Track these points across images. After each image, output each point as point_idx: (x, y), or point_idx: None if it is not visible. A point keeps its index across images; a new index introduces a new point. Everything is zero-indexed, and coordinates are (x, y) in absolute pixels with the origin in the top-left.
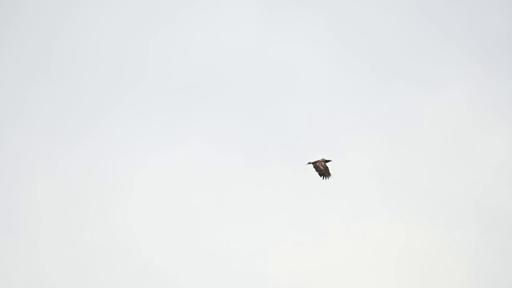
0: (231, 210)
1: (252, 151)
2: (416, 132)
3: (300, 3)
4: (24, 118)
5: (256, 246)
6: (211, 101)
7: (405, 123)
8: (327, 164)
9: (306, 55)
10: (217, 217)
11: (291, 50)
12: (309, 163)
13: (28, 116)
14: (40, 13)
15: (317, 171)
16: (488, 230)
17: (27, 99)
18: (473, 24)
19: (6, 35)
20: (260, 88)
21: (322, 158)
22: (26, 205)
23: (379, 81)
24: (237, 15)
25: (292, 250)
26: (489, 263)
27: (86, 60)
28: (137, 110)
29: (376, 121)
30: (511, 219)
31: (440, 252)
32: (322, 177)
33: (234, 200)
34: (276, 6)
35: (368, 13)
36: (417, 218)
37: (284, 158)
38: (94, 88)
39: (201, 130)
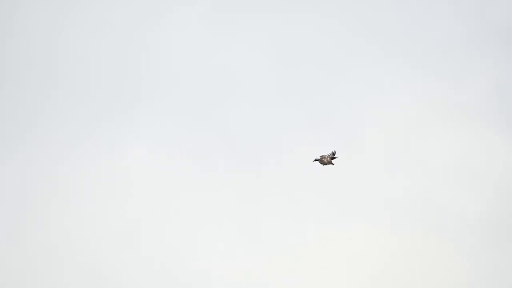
0: (177, 214)
1: (197, 155)
2: (361, 134)
3: (246, 7)
4: None
5: (199, 249)
6: (155, 106)
7: (349, 125)
8: (333, 160)
9: (250, 58)
10: (162, 221)
11: (235, 53)
12: (316, 160)
13: None
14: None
15: (321, 163)
16: (434, 229)
17: None
18: (416, 28)
19: None
20: (205, 92)
21: (328, 154)
22: None
23: (323, 82)
24: (181, 18)
25: (237, 253)
26: (434, 262)
27: (19, 65)
28: (79, 116)
29: (320, 123)
30: (456, 220)
31: (384, 252)
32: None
33: (179, 204)
34: (222, 9)
35: (311, 16)
36: (362, 219)
37: (229, 162)
38: (34, 92)
39: (145, 135)
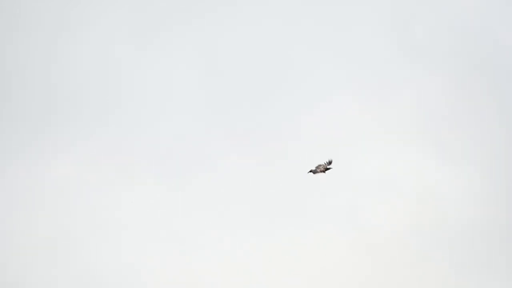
0: (105, 229)
1: (124, 169)
2: (295, 144)
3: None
4: None
5: (128, 264)
6: (77, 120)
7: (279, 136)
8: (327, 171)
9: (177, 72)
10: (90, 236)
11: (162, 67)
12: (310, 171)
13: None
14: None
15: (314, 173)
16: (363, 244)
17: None
18: (343, 39)
19: None
20: (138, 104)
21: (325, 163)
22: None
23: (258, 91)
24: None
25: (167, 266)
26: (354, 274)
27: None
28: (12, 129)
29: (250, 134)
30: (378, 234)
31: (310, 263)
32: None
33: (107, 219)
34: (146, 15)
35: (243, 28)
36: (290, 233)
37: (156, 175)
38: None
39: (70, 150)
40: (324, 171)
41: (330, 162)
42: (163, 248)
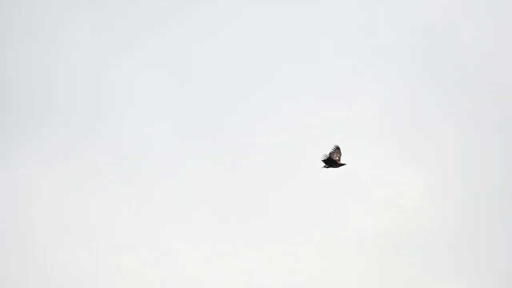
0: (68, 229)
1: (87, 167)
2: (249, 156)
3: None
4: None
5: (88, 266)
6: (35, 120)
7: (239, 139)
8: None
9: (138, 74)
10: (55, 237)
11: (122, 69)
12: (325, 165)
13: None
14: None
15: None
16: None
17: None
18: (303, 43)
19: None
20: (91, 104)
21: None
22: None
23: (220, 92)
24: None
25: (122, 268)
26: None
27: None
28: None
29: (213, 136)
30: (347, 236)
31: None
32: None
33: (70, 218)
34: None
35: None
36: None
37: (116, 177)
38: None
39: (34, 150)
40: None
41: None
42: (119, 251)
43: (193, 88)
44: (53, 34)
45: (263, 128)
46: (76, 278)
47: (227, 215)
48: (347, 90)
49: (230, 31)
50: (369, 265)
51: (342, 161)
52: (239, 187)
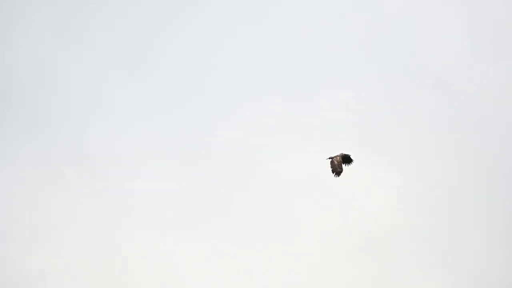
0: (25, 228)
1: (45, 168)
2: (209, 151)
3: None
4: None
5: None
6: (4, 120)
7: (198, 138)
8: (344, 157)
9: (101, 72)
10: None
11: (85, 67)
12: (330, 157)
13: None
14: None
15: (331, 167)
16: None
17: None
18: (263, 45)
19: None
20: (38, 103)
21: (341, 153)
22: None
23: (182, 90)
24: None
25: (78, 269)
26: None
27: None
28: None
29: (168, 142)
30: (302, 237)
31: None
32: (334, 173)
33: (30, 217)
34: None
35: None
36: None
37: (78, 176)
38: None
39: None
40: (339, 160)
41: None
42: (77, 249)
43: (155, 88)
44: (9, 34)
45: (224, 128)
46: (22, 278)
47: (188, 213)
48: (309, 90)
49: (192, 31)
50: (337, 264)
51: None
52: (200, 186)
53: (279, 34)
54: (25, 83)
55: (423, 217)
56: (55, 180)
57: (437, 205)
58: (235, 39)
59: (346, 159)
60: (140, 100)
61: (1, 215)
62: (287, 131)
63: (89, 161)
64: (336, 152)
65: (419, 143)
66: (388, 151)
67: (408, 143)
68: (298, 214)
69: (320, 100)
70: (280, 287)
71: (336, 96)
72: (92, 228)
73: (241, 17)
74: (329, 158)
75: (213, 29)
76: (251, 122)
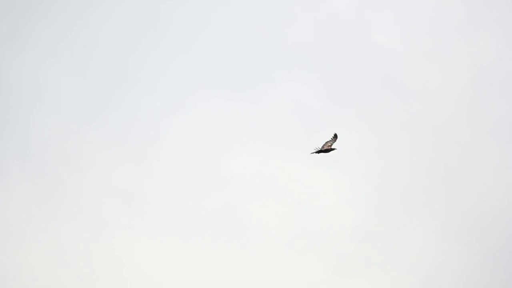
0: None
1: None
2: (161, 147)
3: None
4: None
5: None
6: None
7: (155, 134)
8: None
9: (47, 70)
10: None
11: (30, 64)
12: (319, 151)
13: None
14: None
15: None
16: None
17: None
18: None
19: None
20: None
21: (329, 143)
22: None
23: (129, 88)
24: None
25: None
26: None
27: None
28: None
29: (117, 140)
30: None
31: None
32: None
33: None
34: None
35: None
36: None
37: (25, 175)
38: None
39: None
40: (328, 150)
41: (335, 137)
42: (22, 246)
43: (104, 86)
44: None
45: (176, 127)
46: None
47: (138, 212)
48: (258, 89)
49: (140, 30)
50: (287, 262)
51: (332, 146)
52: (151, 185)
53: (227, 34)
54: None
55: (371, 217)
56: (2, 181)
57: (386, 205)
58: (182, 41)
59: (328, 151)
60: (91, 98)
61: None
62: (238, 130)
63: (35, 159)
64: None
65: (368, 143)
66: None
67: (357, 143)
68: (249, 212)
69: (268, 99)
70: (229, 284)
71: (285, 96)
72: (37, 226)
73: (190, 17)
74: (317, 152)
75: (161, 28)
76: (203, 122)
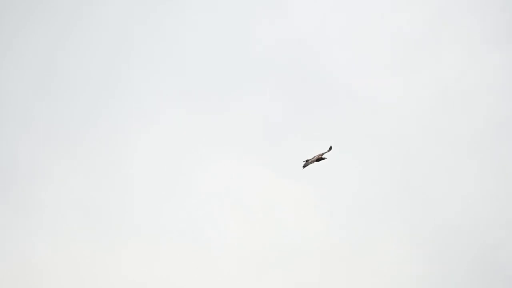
0: None
1: None
2: (129, 161)
3: None
4: None
5: None
6: None
7: (115, 142)
8: (322, 157)
9: (3, 72)
10: None
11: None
12: (306, 163)
13: None
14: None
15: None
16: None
17: None
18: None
19: None
20: None
21: (317, 155)
22: None
23: (90, 95)
24: None
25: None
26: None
27: None
28: None
29: (81, 154)
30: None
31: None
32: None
33: None
34: None
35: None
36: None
37: None
38: None
39: None
40: (318, 160)
41: (321, 158)
42: None
43: (68, 104)
44: None
45: (142, 140)
46: None
47: (104, 225)
48: (218, 102)
49: (101, 43)
50: (252, 272)
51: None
52: (118, 197)
53: (193, 46)
54: None
55: (336, 230)
56: None
57: (351, 217)
58: (153, 47)
59: (320, 159)
60: (57, 112)
61: None
62: (205, 142)
63: None
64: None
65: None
66: (301, 164)
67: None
68: (215, 223)
69: (235, 111)
70: None
71: (251, 108)
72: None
73: (156, 31)
74: (306, 161)
75: (128, 42)
76: (169, 134)
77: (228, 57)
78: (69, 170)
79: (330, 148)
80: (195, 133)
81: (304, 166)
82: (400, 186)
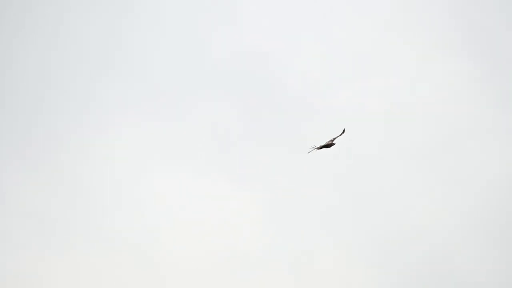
0: None
1: None
2: (77, 168)
3: None
4: None
5: None
6: None
7: (72, 146)
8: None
9: None
10: None
11: None
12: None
13: None
14: None
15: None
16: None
17: None
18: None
19: None
20: None
21: (330, 140)
22: None
23: (51, 96)
24: None
25: None
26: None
27: None
28: None
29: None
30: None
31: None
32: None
33: None
34: None
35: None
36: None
37: None
38: None
39: None
40: (327, 146)
41: (342, 132)
42: None
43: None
44: None
45: (95, 147)
46: None
47: (56, 237)
48: (178, 108)
49: (67, 51)
50: (206, 282)
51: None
52: (71, 209)
53: (146, 52)
54: None
55: (288, 238)
56: None
57: (304, 226)
58: (101, 56)
59: (329, 146)
60: (4, 114)
61: None
62: (158, 150)
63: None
64: None
65: (286, 164)
66: (253, 173)
67: (271, 165)
68: (167, 238)
69: (189, 119)
70: None
71: (204, 115)
72: None
73: (113, 37)
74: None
75: (79, 46)
76: (122, 141)
77: (182, 65)
78: (15, 173)
79: (344, 131)
80: (146, 140)
81: (311, 151)
82: (355, 194)
